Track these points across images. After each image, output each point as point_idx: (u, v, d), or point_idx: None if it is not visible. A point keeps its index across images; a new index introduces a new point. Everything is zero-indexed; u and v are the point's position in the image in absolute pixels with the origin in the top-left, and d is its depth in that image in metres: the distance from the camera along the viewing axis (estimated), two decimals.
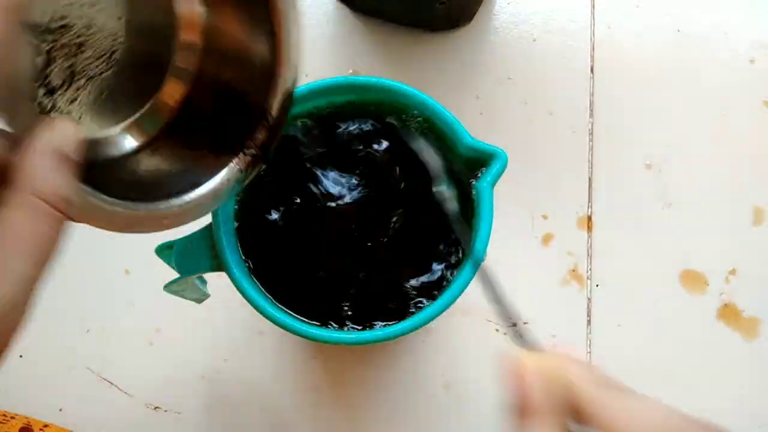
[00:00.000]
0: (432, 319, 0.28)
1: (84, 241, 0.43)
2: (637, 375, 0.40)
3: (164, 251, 0.30)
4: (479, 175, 0.31)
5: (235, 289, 0.29)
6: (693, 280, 0.41)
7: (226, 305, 0.40)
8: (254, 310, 0.29)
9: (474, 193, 0.30)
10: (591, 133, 0.44)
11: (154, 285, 0.32)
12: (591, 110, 0.44)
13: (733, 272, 0.41)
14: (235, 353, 0.40)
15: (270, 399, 0.39)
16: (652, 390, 0.41)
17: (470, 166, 0.31)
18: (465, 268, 0.28)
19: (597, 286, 0.41)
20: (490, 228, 0.29)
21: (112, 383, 0.40)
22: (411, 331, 0.28)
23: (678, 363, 0.40)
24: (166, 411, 0.39)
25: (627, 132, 0.44)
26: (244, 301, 0.28)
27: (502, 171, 0.30)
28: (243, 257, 0.30)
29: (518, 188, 0.43)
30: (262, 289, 0.30)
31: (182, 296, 0.32)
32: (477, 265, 0.28)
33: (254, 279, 0.30)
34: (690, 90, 0.45)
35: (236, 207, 0.31)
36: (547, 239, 0.42)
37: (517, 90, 0.45)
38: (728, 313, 0.41)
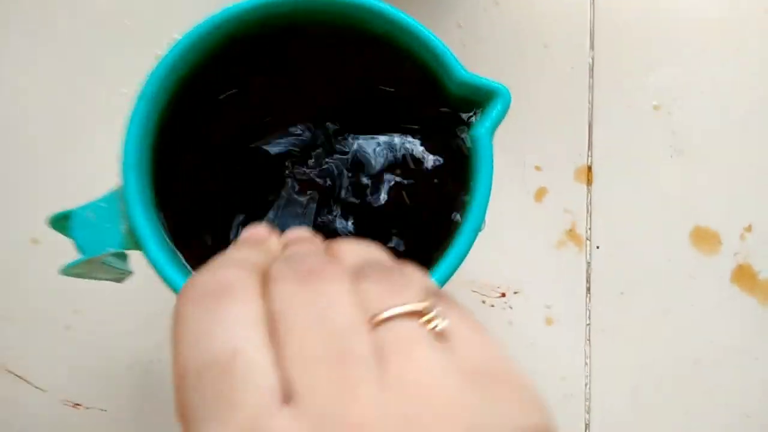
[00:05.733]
0: None
1: None
2: (643, 348, 0.36)
3: (60, 223, 0.22)
4: (473, 119, 0.24)
5: None
6: (705, 238, 0.36)
7: (158, 277, 0.33)
8: None
9: (467, 142, 0.24)
10: (592, 70, 0.37)
11: (68, 256, 0.25)
12: (592, 42, 0.38)
13: (748, 229, 0.36)
14: (169, 337, 0.33)
15: None
16: (659, 364, 0.36)
17: (461, 107, 0.24)
18: (462, 236, 0.22)
19: (597, 248, 0.35)
20: (490, 186, 0.22)
21: (20, 377, 0.33)
22: None
23: (688, 333, 0.35)
24: (87, 408, 0.32)
25: (632, 68, 0.38)
26: None
27: (504, 114, 0.23)
28: (167, 229, 0.23)
29: (507, 134, 0.36)
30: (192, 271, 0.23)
31: (93, 278, 0.25)
32: (476, 233, 0.22)
33: (184, 259, 0.23)
34: (704, 19, 0.38)
35: (155, 159, 0.23)
36: (540, 194, 0.36)
37: (507, 18, 0.38)
38: (743, 275, 0.36)
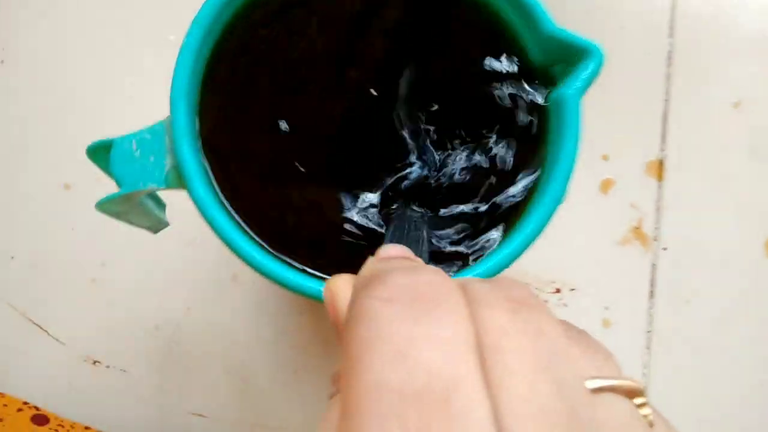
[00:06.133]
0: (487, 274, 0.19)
1: (10, 149, 0.34)
2: (707, 363, 0.32)
3: (99, 153, 0.21)
4: (559, 78, 0.21)
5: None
6: None
7: (193, 238, 0.31)
8: (227, 248, 0.20)
9: (550, 103, 0.21)
10: (669, 58, 0.35)
11: None
12: (671, 28, 0.35)
13: None
14: (200, 301, 0.31)
15: (240, 360, 0.30)
16: (721, 380, 0.34)
17: (546, 65, 0.22)
18: (543, 204, 0.19)
19: (664, 249, 0.33)
20: (577, 151, 0.20)
21: (40, 327, 0.31)
22: None
23: (755, 349, 0.32)
24: (107, 367, 0.30)
25: (713, 61, 0.35)
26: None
27: (596, 75, 0.21)
28: (215, 169, 0.21)
29: None
30: (240, 218, 0.21)
31: (127, 221, 0.23)
32: (557, 203, 0.19)
33: (229, 202, 0.21)
34: None
35: (205, 93, 0.21)
36: (606, 186, 0.33)
37: None
38: None
